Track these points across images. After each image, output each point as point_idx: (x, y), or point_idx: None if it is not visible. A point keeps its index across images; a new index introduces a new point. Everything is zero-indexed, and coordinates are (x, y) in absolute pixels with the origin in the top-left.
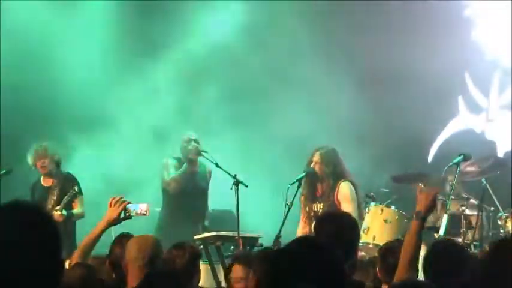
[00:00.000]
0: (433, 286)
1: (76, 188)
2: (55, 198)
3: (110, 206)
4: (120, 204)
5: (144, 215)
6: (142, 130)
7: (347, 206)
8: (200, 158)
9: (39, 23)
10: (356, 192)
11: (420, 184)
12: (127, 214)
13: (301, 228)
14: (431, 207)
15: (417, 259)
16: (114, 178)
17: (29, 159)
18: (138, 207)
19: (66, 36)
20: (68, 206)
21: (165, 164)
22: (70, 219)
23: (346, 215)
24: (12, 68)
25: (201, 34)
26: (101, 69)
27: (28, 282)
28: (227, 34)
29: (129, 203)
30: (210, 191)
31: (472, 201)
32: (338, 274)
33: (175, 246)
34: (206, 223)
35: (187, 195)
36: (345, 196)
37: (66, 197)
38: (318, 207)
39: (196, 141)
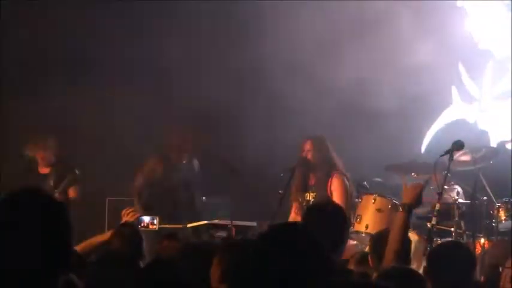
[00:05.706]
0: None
1: (77, 171)
2: (52, 184)
3: (123, 216)
4: (133, 216)
5: (151, 228)
6: None
7: (339, 198)
8: None
9: None
10: (349, 185)
11: (405, 178)
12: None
13: (292, 219)
14: (417, 200)
15: (404, 250)
16: None
17: (29, 150)
18: (144, 220)
19: None
20: (65, 192)
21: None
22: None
23: (334, 205)
24: None
25: None
26: None
27: (39, 266)
28: None
29: (141, 215)
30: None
31: (465, 190)
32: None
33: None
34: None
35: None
36: (338, 188)
37: (67, 178)
38: (311, 196)
39: None
